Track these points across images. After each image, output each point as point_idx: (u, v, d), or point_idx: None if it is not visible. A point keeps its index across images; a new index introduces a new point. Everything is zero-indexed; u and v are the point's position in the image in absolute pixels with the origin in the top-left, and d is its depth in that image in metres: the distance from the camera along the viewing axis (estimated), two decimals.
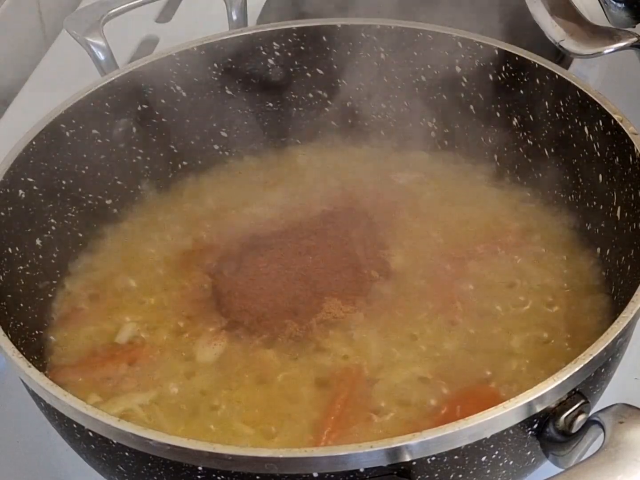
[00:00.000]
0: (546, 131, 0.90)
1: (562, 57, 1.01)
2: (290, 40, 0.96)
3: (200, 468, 0.65)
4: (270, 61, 0.97)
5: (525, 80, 0.90)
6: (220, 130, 0.98)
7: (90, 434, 0.68)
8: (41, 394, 0.70)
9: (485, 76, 0.92)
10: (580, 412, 0.67)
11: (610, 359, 0.71)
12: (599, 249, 0.86)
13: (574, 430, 0.67)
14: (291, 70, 0.97)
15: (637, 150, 0.80)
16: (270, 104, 0.98)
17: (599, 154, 0.86)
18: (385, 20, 0.95)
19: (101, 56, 0.94)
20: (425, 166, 0.96)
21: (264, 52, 0.96)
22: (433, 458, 0.65)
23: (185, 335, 0.83)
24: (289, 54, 0.96)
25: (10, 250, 0.83)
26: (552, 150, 0.90)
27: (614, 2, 0.89)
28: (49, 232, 0.88)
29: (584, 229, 0.88)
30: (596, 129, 0.85)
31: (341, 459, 0.63)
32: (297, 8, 1.08)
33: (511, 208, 0.92)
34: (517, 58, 0.90)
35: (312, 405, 0.77)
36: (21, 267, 0.84)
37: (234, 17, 0.99)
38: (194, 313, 0.85)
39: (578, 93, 0.86)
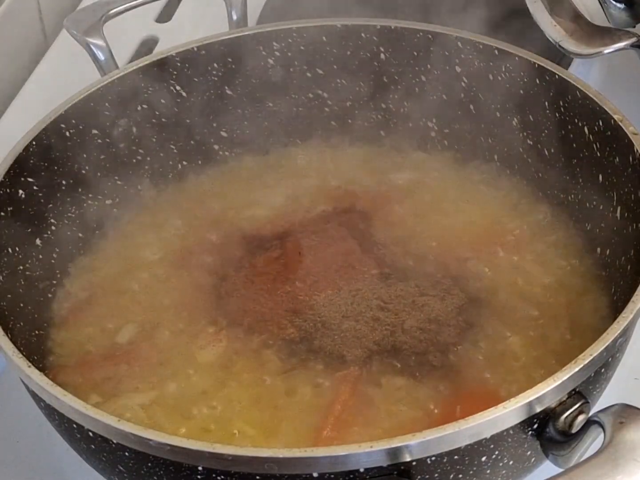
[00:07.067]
0: (546, 131, 0.90)
1: (562, 57, 1.01)
2: (290, 40, 0.96)
3: (200, 468, 0.65)
4: (270, 61, 0.97)
5: (525, 80, 0.90)
6: (220, 130, 0.98)
7: (90, 434, 0.68)
8: (41, 394, 0.70)
9: (485, 76, 0.92)
10: (580, 412, 0.67)
11: (610, 359, 0.71)
12: (599, 249, 0.86)
13: (574, 430, 0.67)
14: (291, 70, 0.97)
15: (637, 150, 0.80)
16: (270, 104, 0.98)
17: (599, 154, 0.85)
18: (385, 20, 0.95)
19: (101, 56, 0.94)
20: (425, 166, 0.96)
21: (264, 52, 0.96)
22: (433, 458, 0.65)
23: (185, 335, 0.83)
24: (289, 54, 0.96)
25: (10, 250, 0.83)
26: (552, 150, 0.90)
27: (614, 2, 0.89)
28: (49, 232, 0.88)
29: (584, 228, 0.88)
30: (596, 129, 0.85)
31: (341, 459, 0.63)
32: (297, 8, 1.08)
33: (511, 208, 0.92)
34: (517, 58, 0.90)
35: (312, 406, 0.77)
36: (21, 267, 0.84)
37: (234, 17, 0.99)
38: (194, 313, 0.85)
39: (578, 93, 0.86)
